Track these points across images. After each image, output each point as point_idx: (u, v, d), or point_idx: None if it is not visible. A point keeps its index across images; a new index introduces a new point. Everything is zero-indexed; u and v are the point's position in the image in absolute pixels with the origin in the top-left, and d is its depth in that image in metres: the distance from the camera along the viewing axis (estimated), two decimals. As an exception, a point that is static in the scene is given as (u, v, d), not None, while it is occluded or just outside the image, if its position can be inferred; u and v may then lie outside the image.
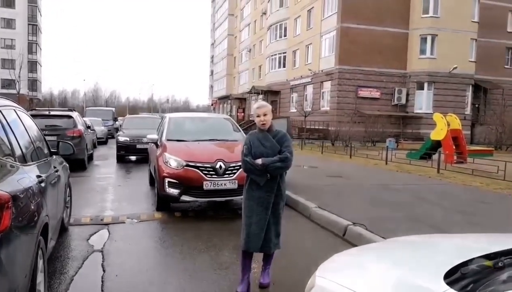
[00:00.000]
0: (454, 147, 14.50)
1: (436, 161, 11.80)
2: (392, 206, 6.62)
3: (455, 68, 28.18)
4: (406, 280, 1.59)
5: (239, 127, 8.15)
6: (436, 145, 14.66)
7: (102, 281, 3.66)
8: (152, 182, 8.22)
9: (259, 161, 3.41)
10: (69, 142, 4.71)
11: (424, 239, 2.37)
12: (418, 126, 28.45)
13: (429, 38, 28.93)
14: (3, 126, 2.81)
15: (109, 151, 16.73)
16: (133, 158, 13.76)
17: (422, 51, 29.10)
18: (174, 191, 6.03)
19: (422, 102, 29.37)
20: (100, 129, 21.00)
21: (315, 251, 4.58)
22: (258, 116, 3.50)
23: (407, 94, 29.48)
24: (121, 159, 13.30)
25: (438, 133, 14.72)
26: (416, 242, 2.28)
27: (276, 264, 3.50)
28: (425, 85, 29.30)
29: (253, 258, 3.66)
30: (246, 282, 3.51)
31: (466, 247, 1.97)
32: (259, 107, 3.52)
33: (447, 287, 1.41)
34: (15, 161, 2.78)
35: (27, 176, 2.82)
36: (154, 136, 7.54)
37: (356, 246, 4.25)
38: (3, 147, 2.68)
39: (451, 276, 1.52)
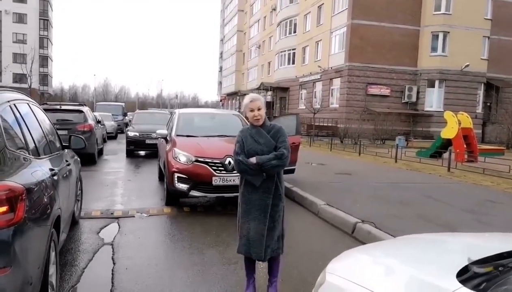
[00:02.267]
0: (465, 146, 14.35)
1: (446, 160, 11.69)
2: (402, 204, 6.58)
3: (467, 66, 27.84)
4: (417, 278, 1.59)
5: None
6: (446, 144, 14.51)
7: (113, 274, 3.71)
8: (161, 177, 8.27)
9: (253, 159, 3.10)
10: (80, 136, 4.75)
11: (435, 237, 2.35)
12: (428, 124, 28.20)
13: (440, 35, 28.60)
14: (16, 120, 2.85)
15: (119, 146, 16.86)
16: (142, 153, 13.85)
17: (434, 49, 28.77)
18: (183, 186, 6.06)
19: (433, 100, 29.08)
20: (110, 124, 21.14)
21: (323, 248, 4.58)
22: (251, 110, 3.17)
23: (418, 92, 29.20)
24: (131, 154, 13.40)
25: (449, 132, 14.58)
26: (427, 240, 2.27)
27: (283, 260, 3.47)
28: (436, 83, 29.00)
29: (258, 264, 3.51)
30: (252, 287, 3.30)
31: (478, 246, 1.96)
32: (252, 100, 3.19)
33: (460, 285, 1.40)
34: (29, 154, 2.81)
35: (40, 169, 2.86)
36: (164, 132, 7.58)
37: (364, 244, 4.24)
38: (16, 140, 2.71)
39: (463, 275, 1.51)
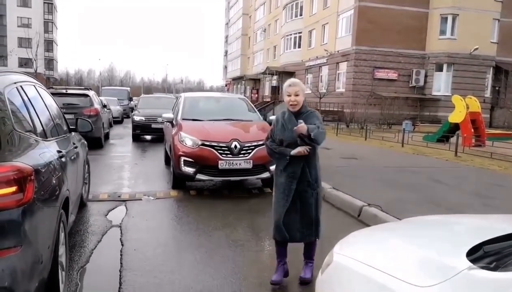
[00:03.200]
0: (472, 130, 14.22)
1: (454, 144, 11.61)
2: (408, 188, 6.56)
3: (476, 49, 27.37)
4: (426, 257, 1.58)
5: (254, 108, 8.12)
6: (454, 128, 14.39)
7: (121, 255, 3.76)
8: (167, 161, 8.30)
9: (303, 127, 2.97)
10: (87, 119, 4.78)
11: (443, 219, 2.34)
12: (435, 108, 27.92)
13: (449, 18, 28.05)
14: (23, 101, 2.85)
15: (125, 131, 16.92)
16: (148, 137, 13.89)
17: (442, 32, 28.27)
18: (189, 170, 6.08)
19: (441, 84, 28.71)
20: (116, 108, 21.18)
21: (330, 231, 4.58)
22: (288, 95, 3.13)
23: (425, 76, 28.84)
24: (137, 138, 13.44)
25: (456, 116, 14.43)
26: (435, 221, 2.26)
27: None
28: (444, 66, 28.59)
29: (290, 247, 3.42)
30: (281, 271, 3.28)
31: (487, 227, 1.95)
32: (291, 84, 3.16)
33: (470, 263, 1.40)
34: (36, 136, 2.82)
35: (48, 151, 2.87)
36: (170, 115, 7.57)
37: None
38: (24, 122, 2.72)
39: (473, 254, 1.50)
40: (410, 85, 28.93)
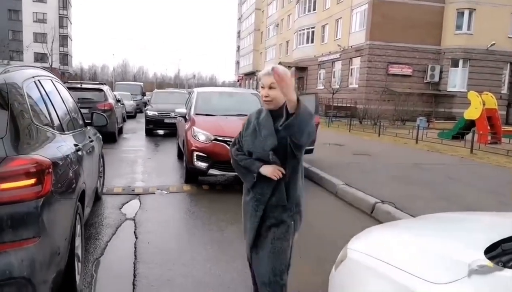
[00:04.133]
0: (488, 127, 13.97)
1: (469, 141, 11.42)
2: (422, 185, 6.49)
3: (493, 44, 26.82)
4: (443, 254, 1.57)
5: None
6: (469, 125, 14.16)
7: (135, 247, 3.81)
8: (180, 155, 8.36)
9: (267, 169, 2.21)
10: (102, 114, 4.82)
11: (460, 216, 2.31)
12: (450, 105, 27.49)
13: (466, 13, 27.52)
14: (41, 95, 2.89)
15: (138, 125, 17.06)
16: (161, 132, 13.99)
17: (458, 27, 27.74)
18: (202, 165, 6.11)
19: (456, 80, 28.23)
20: (129, 103, 21.36)
21: (342, 228, 4.58)
22: (262, 87, 2.27)
23: (441, 72, 28.38)
24: (150, 133, 13.55)
25: (472, 112, 14.20)
26: (451, 218, 2.24)
27: (303, 239, 3.45)
28: (460, 62, 28.09)
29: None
30: None
31: (504, 225, 1.91)
32: (265, 73, 2.25)
33: (488, 261, 1.38)
34: (53, 129, 2.86)
35: (65, 144, 2.91)
36: (183, 110, 7.61)
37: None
38: (41, 116, 2.76)
39: (490, 252, 1.48)
40: (425, 81, 28.51)
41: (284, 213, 2.26)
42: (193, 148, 6.19)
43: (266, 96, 2.21)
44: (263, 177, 2.23)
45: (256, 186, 2.28)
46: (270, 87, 2.20)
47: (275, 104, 2.21)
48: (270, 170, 2.20)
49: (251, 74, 57.92)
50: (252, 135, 2.31)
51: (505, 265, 1.36)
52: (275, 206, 2.26)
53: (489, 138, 13.34)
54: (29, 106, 2.44)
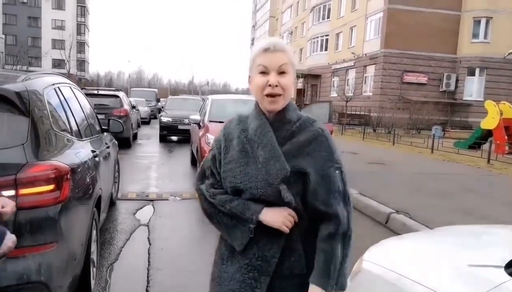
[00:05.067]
0: (506, 137, 13.71)
1: (486, 151, 11.22)
2: (438, 195, 6.39)
3: (511, 53, 26.38)
4: (461, 268, 1.54)
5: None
6: (486, 135, 13.91)
7: (149, 253, 3.83)
8: (193, 162, 8.41)
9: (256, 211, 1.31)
10: (119, 120, 4.89)
11: (477, 229, 2.27)
12: (466, 114, 27.08)
13: (483, 21, 27.17)
14: (60, 102, 2.95)
15: (152, 131, 17.23)
16: (175, 138, 14.09)
17: (475, 35, 27.40)
18: (215, 171, 6.12)
19: (473, 89, 27.83)
20: (144, 109, 21.61)
21: (356, 238, 4.51)
22: (263, 72, 1.32)
23: (457, 80, 28.01)
24: (164, 139, 13.67)
25: (489, 122, 13.95)
26: (469, 231, 2.20)
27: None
28: (477, 71, 27.70)
29: None
30: None
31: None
32: (270, 47, 1.32)
33: (509, 277, 1.35)
34: (72, 135, 2.92)
35: (83, 151, 2.96)
36: (197, 117, 7.67)
37: (398, 235, 4.16)
38: (60, 122, 2.81)
39: (511, 267, 1.45)
40: (441, 90, 28.17)
41: (303, 288, 1.29)
42: (206, 154, 6.21)
43: (276, 86, 1.28)
44: (264, 230, 1.29)
45: (253, 246, 1.32)
46: (281, 72, 1.30)
47: (285, 101, 1.32)
48: (278, 217, 1.27)
49: (264, 81, 58.04)
50: (239, 160, 1.33)
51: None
52: (288, 277, 1.32)
53: (507, 148, 13.08)
54: (49, 113, 2.49)
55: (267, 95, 1.30)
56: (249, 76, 1.40)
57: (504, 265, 1.44)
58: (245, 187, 1.32)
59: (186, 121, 11.31)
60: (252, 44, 73.39)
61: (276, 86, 1.29)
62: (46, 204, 2.11)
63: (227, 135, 1.43)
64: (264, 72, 1.31)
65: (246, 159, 1.34)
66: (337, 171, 1.30)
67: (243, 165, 1.34)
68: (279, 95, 1.30)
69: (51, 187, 2.14)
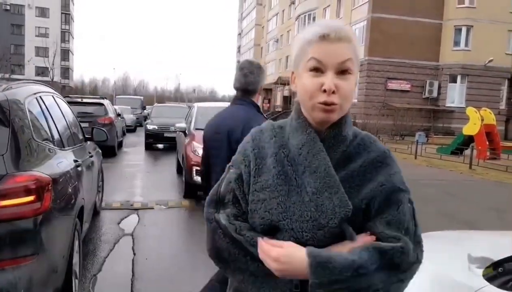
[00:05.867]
0: (487, 143, 14.01)
1: (468, 157, 11.45)
2: (421, 201, 6.46)
3: (491, 60, 27.07)
4: (441, 275, 1.56)
5: (266, 117, 8.16)
6: (468, 140, 14.20)
7: (133, 264, 3.78)
8: (179, 170, 8.35)
9: (292, 249, 0.90)
10: (102, 129, 4.84)
11: (459, 235, 2.31)
12: (449, 120, 27.60)
13: (464, 30, 27.85)
14: (42, 112, 2.91)
15: (138, 139, 17.08)
16: (160, 146, 14.00)
17: (456, 43, 28.05)
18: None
19: (455, 95, 28.41)
20: (129, 117, 21.42)
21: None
22: (315, 69, 0.94)
23: (439, 87, 28.57)
24: (149, 147, 13.56)
25: (471, 128, 14.25)
26: (451, 237, 2.23)
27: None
28: (458, 78, 28.31)
29: None
30: None
31: (504, 244, 1.92)
32: (329, 32, 0.92)
33: (486, 283, 1.38)
34: (53, 145, 2.88)
35: (65, 160, 2.92)
36: (183, 125, 7.64)
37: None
38: (42, 132, 2.78)
39: (489, 273, 1.48)
40: (424, 96, 28.68)
41: None
42: (192, 163, 6.19)
43: (333, 92, 0.93)
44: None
45: None
46: (343, 71, 0.94)
47: (342, 112, 0.98)
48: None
49: (251, 89, 58.23)
50: (277, 188, 0.97)
51: (503, 287, 1.36)
52: None
53: (488, 153, 13.37)
54: (30, 123, 2.46)
55: (320, 103, 0.93)
56: (292, 72, 1.02)
57: (482, 270, 1.47)
58: (284, 227, 0.94)
59: (172, 128, 11.25)
60: (239, 51, 73.61)
61: (333, 92, 0.92)
62: (26, 216, 2.07)
63: (259, 151, 1.03)
64: (317, 69, 0.94)
65: (286, 187, 0.96)
66: (408, 204, 0.96)
67: (282, 195, 0.96)
68: (335, 105, 0.93)
69: (31, 198, 2.10)
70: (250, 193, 0.99)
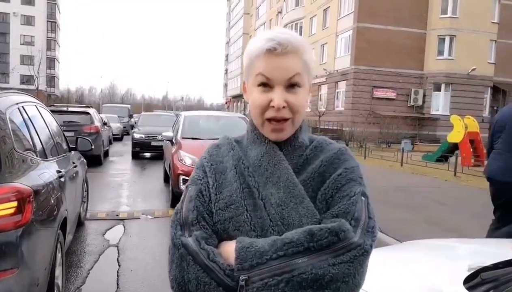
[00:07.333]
0: (471, 150, 14.25)
1: (453, 164, 11.62)
2: (407, 208, 6.54)
3: (474, 69, 27.67)
4: (424, 284, 1.58)
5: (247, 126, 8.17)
6: (453, 148, 14.42)
7: (118, 276, 3.72)
8: (166, 179, 8.29)
9: (229, 249, 0.87)
10: (87, 138, 4.79)
11: (443, 243, 2.34)
12: (434, 128, 28.04)
13: (447, 39, 28.45)
14: (25, 122, 2.87)
15: (124, 148, 16.93)
16: (147, 155, 13.90)
17: (440, 52, 28.63)
18: (188, 189, 6.06)
19: (439, 103, 28.92)
20: (116, 125, 21.25)
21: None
22: (262, 84, 0.93)
23: (424, 95, 29.05)
24: (136, 156, 13.45)
25: (455, 136, 14.48)
26: (434, 245, 2.26)
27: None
28: (442, 86, 28.85)
29: None
30: None
31: (486, 252, 1.94)
32: (275, 45, 0.90)
33: (467, 291, 1.39)
34: (36, 156, 2.83)
35: (48, 171, 2.88)
36: (170, 134, 7.61)
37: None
38: (24, 142, 2.74)
39: (470, 281, 1.50)
40: (409, 105, 29.11)
41: None
42: (179, 171, 6.16)
43: (283, 107, 0.91)
44: None
45: None
46: (292, 85, 0.92)
47: (294, 127, 0.96)
48: None
49: (239, 97, 58.41)
50: (243, 202, 0.92)
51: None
52: None
53: (472, 161, 13.59)
54: (11, 134, 2.42)
55: (269, 120, 0.92)
56: (244, 82, 1.00)
57: (463, 280, 1.49)
58: (237, 227, 0.90)
59: (159, 137, 11.19)
60: (227, 59, 73.84)
61: (284, 107, 0.90)
62: (6, 229, 2.03)
63: (217, 166, 0.98)
64: (266, 85, 0.91)
65: (251, 200, 0.91)
66: (362, 197, 0.93)
67: (249, 211, 0.90)
68: (286, 119, 0.92)
69: (12, 210, 2.06)
70: (215, 213, 0.92)
